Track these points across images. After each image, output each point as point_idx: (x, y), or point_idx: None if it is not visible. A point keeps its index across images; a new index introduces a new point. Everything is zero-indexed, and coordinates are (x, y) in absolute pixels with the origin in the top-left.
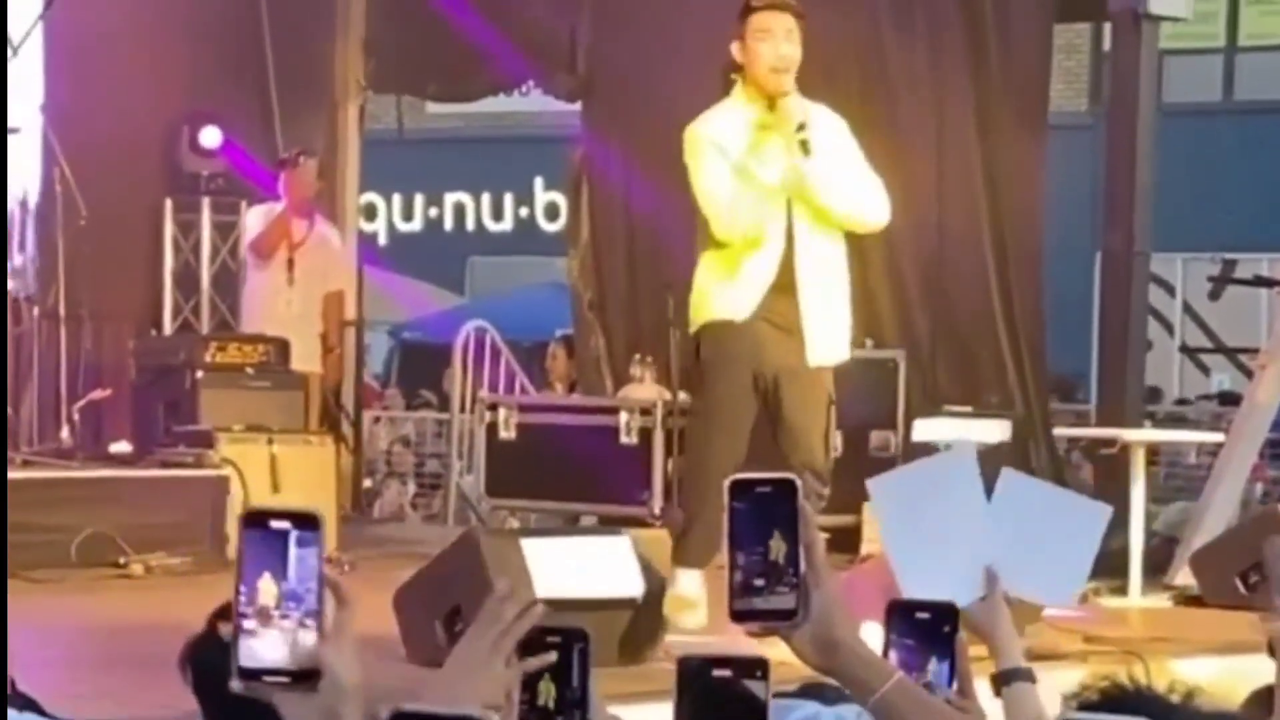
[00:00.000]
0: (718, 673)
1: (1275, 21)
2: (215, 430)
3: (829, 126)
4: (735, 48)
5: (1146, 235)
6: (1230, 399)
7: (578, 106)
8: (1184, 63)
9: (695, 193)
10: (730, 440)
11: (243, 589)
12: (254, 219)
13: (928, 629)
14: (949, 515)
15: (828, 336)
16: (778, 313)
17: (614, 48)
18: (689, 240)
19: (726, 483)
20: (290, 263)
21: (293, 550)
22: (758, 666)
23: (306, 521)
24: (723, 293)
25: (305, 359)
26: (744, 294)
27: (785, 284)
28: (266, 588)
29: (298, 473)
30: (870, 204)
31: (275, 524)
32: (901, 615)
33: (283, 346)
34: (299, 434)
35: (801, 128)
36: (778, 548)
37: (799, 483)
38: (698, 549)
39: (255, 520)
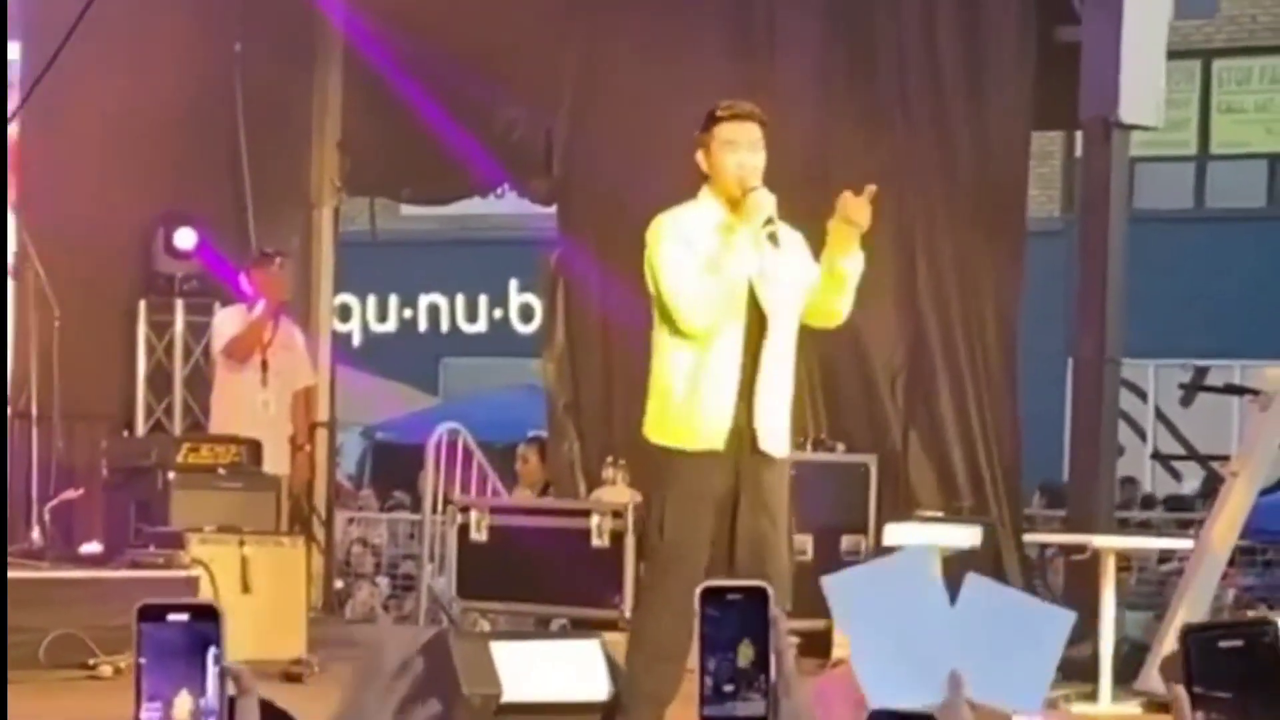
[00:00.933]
0: None
1: (1246, 130)
2: (186, 531)
3: (789, 237)
4: (700, 156)
5: (1118, 342)
6: (1202, 504)
7: (552, 209)
8: (1156, 170)
9: (657, 285)
10: (685, 588)
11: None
12: (225, 321)
13: None
14: (910, 618)
15: (781, 432)
16: (737, 417)
17: (589, 151)
18: None
19: (698, 590)
20: (264, 364)
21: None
22: None
23: (204, 614)
24: (685, 411)
25: (280, 460)
26: (707, 413)
27: (745, 384)
28: (181, 702)
29: (268, 574)
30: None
31: (173, 617)
32: None
33: (255, 448)
34: (270, 535)
35: (769, 221)
36: (747, 654)
37: (770, 590)
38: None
39: (152, 615)
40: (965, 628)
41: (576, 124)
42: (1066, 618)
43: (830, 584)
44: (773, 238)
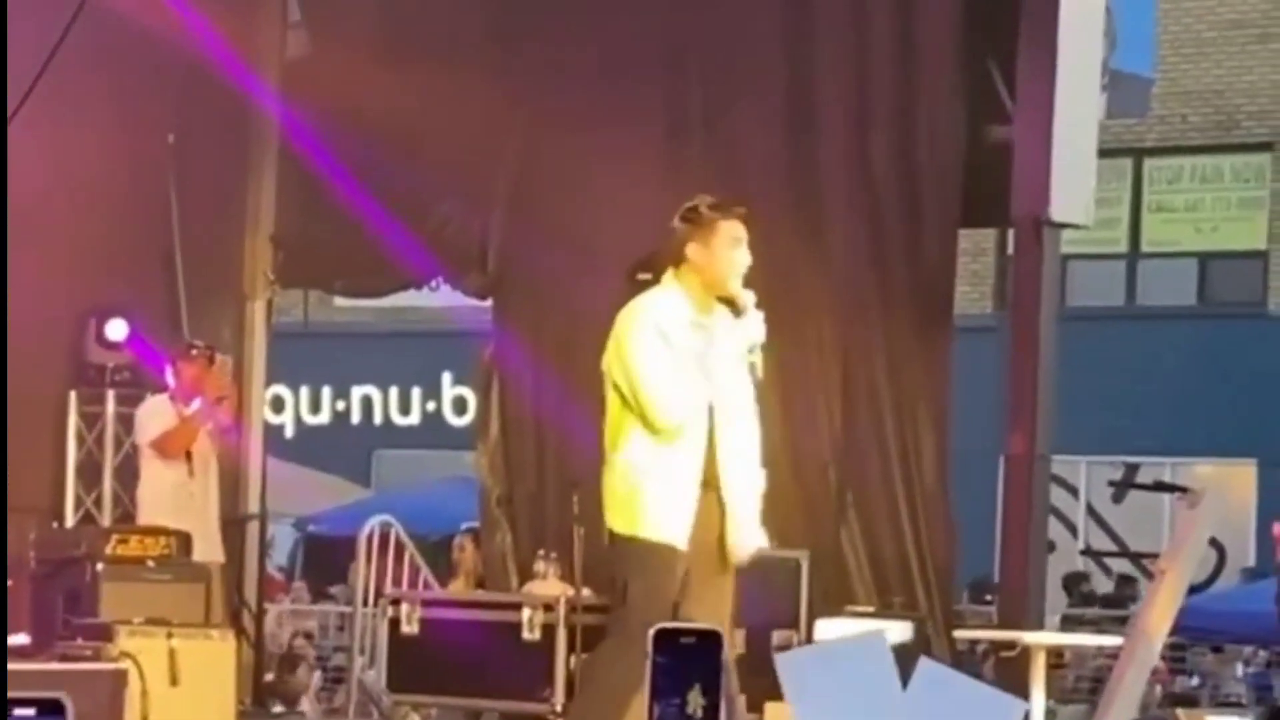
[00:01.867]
0: None
1: (1176, 229)
2: (115, 623)
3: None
4: (693, 249)
5: (1048, 439)
6: (1131, 601)
7: (486, 303)
8: (1087, 268)
9: (631, 378)
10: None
11: None
12: (151, 414)
13: None
14: (862, 699)
15: (749, 528)
16: (702, 514)
17: (525, 247)
18: (596, 439)
19: (650, 633)
20: (189, 454)
21: None
22: None
23: (51, 708)
24: (656, 504)
25: (210, 549)
26: (677, 506)
27: (710, 479)
28: None
29: (197, 666)
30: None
31: (19, 712)
32: None
33: (184, 539)
34: (199, 628)
35: (752, 350)
36: (696, 701)
37: (723, 635)
38: None
39: None
40: (916, 712)
41: (513, 220)
42: (1018, 706)
43: (784, 661)
44: (753, 367)
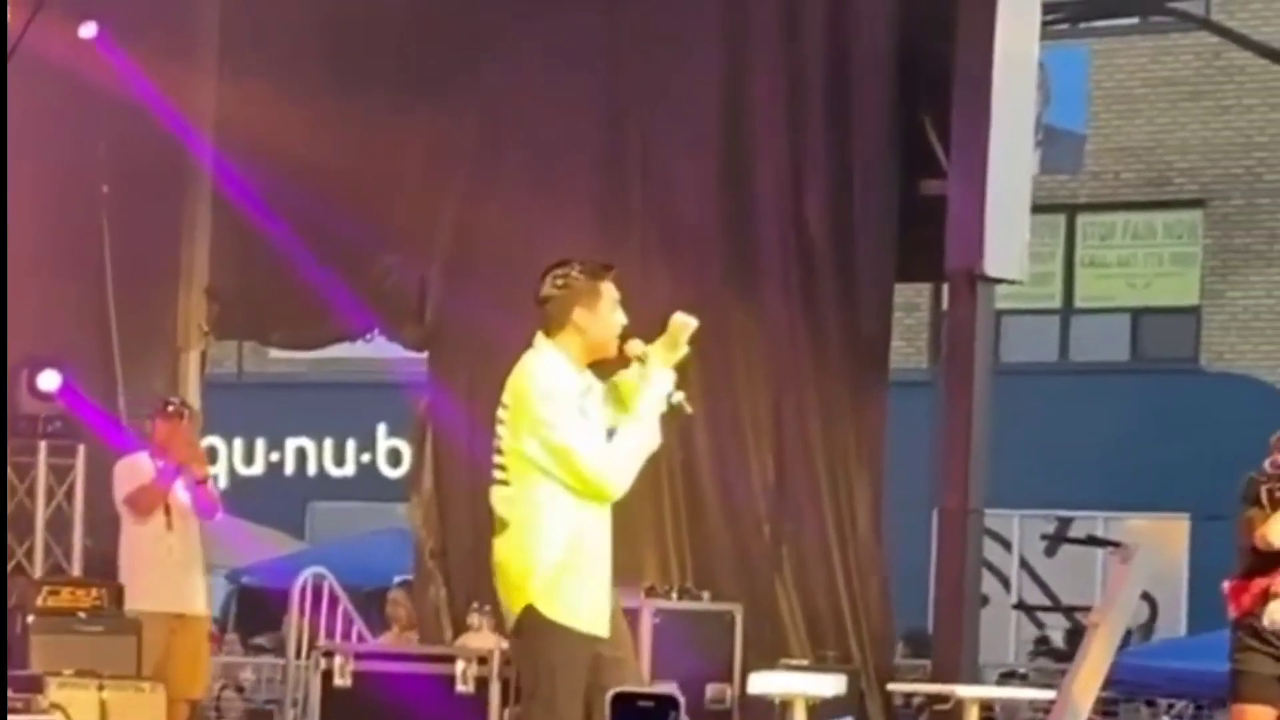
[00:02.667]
0: None
1: (1109, 284)
2: (45, 675)
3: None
4: (580, 314)
5: (981, 493)
6: (1065, 655)
7: (420, 354)
8: (1021, 323)
9: (561, 453)
10: None
11: None
12: (125, 471)
13: None
14: None
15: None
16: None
17: (463, 301)
18: None
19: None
20: (167, 508)
21: None
22: None
23: None
24: (572, 587)
25: (192, 602)
26: (595, 589)
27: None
28: None
29: (128, 718)
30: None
31: None
32: None
33: (115, 591)
34: (130, 679)
35: (672, 396)
36: None
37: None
38: None
39: None
40: None
41: (451, 273)
42: None
43: None
44: (679, 406)
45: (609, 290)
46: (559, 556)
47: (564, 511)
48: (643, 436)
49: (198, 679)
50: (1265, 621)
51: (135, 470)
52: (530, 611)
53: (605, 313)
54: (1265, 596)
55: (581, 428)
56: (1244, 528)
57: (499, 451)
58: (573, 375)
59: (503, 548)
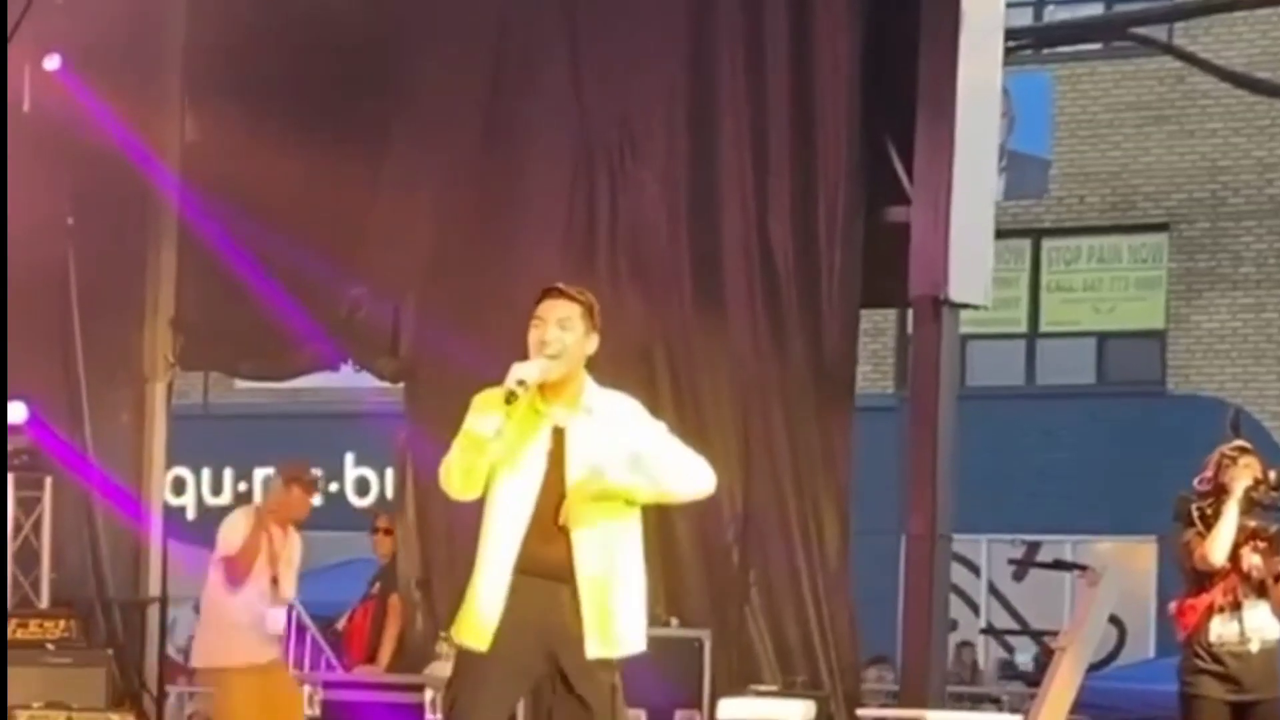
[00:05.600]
0: None
1: (1075, 309)
2: (14, 708)
3: (617, 411)
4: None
5: (948, 518)
6: (1034, 680)
7: (387, 384)
8: (986, 347)
9: None
10: None
11: None
12: (228, 530)
13: None
14: None
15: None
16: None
17: (437, 333)
18: None
19: None
20: (274, 580)
21: None
22: None
23: None
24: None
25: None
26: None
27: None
28: None
29: None
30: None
31: None
32: None
33: (84, 623)
34: (99, 711)
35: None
36: None
37: None
38: None
39: None
40: None
41: (425, 305)
42: None
43: None
44: (510, 395)
45: (535, 310)
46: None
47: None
48: (467, 428)
49: None
50: (1212, 638)
51: (236, 529)
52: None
53: (531, 329)
54: (1210, 612)
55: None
56: (1182, 551)
57: None
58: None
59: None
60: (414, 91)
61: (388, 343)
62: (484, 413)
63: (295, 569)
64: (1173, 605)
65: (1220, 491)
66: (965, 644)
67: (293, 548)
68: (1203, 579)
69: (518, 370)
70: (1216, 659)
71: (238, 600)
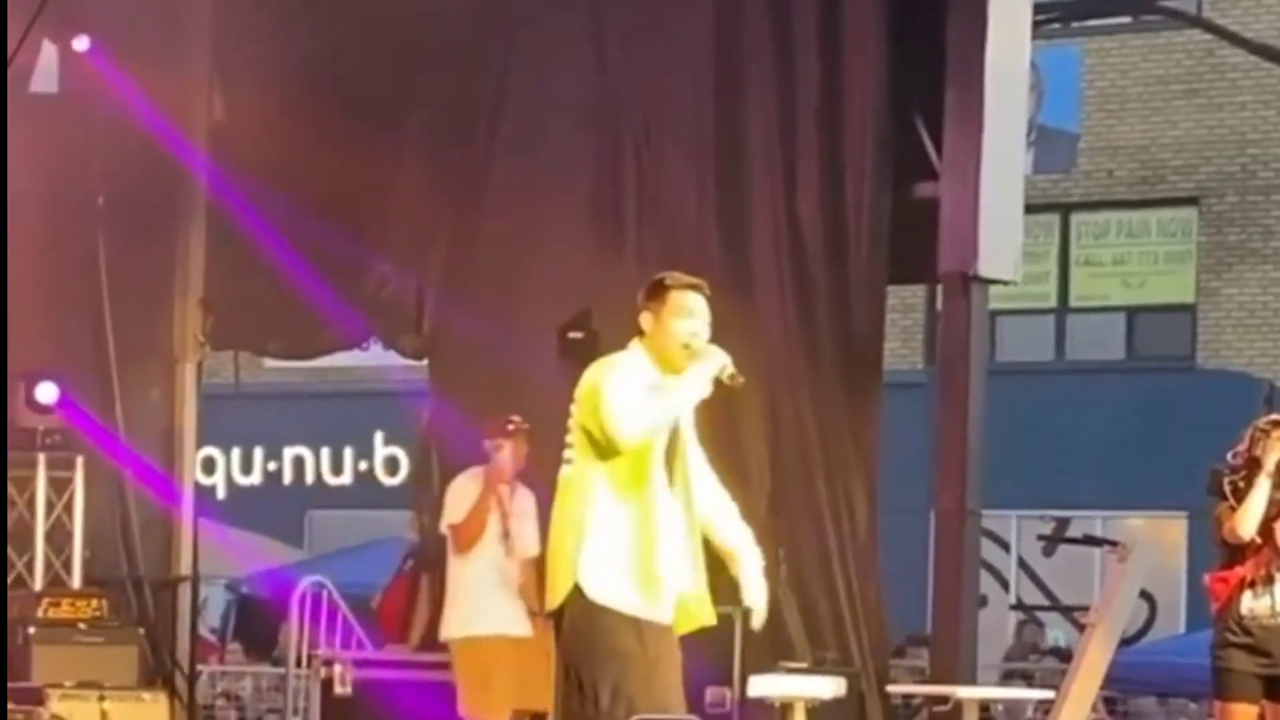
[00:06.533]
0: None
1: (1104, 283)
2: (46, 687)
3: None
4: (646, 319)
5: (978, 494)
6: (1066, 655)
7: (417, 363)
8: (1016, 323)
9: (592, 394)
10: None
11: None
12: (457, 493)
13: None
14: None
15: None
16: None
17: (460, 309)
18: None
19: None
20: (505, 533)
21: None
22: None
23: None
24: (628, 575)
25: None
26: (653, 580)
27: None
28: None
29: None
30: None
31: None
32: None
33: (115, 602)
34: (131, 690)
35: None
36: None
37: None
38: None
39: None
40: None
41: (449, 282)
42: None
43: None
44: (733, 377)
45: (674, 299)
46: (602, 545)
47: (603, 503)
48: (671, 395)
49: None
50: (1243, 611)
51: (465, 493)
52: (576, 592)
53: (668, 321)
54: (1242, 586)
55: (624, 384)
56: (1214, 523)
57: (568, 430)
58: (648, 369)
59: (552, 530)
60: (438, 67)
61: (413, 319)
62: (677, 389)
63: (532, 520)
64: (1206, 577)
65: (1253, 465)
66: (1026, 622)
67: (521, 500)
68: (1236, 552)
69: (723, 357)
70: (1247, 632)
71: (467, 568)
